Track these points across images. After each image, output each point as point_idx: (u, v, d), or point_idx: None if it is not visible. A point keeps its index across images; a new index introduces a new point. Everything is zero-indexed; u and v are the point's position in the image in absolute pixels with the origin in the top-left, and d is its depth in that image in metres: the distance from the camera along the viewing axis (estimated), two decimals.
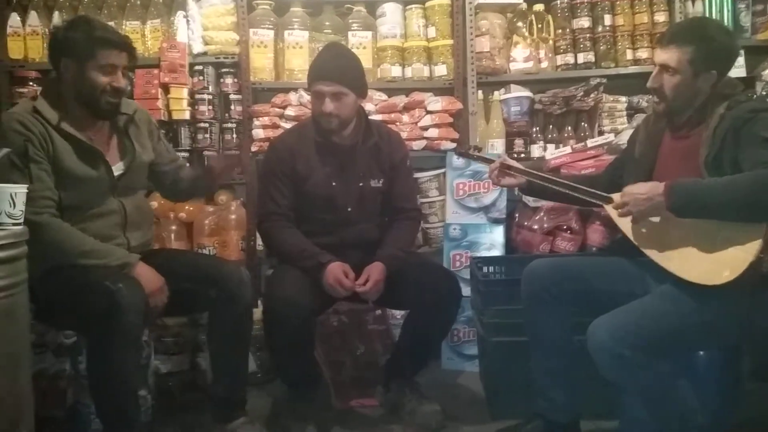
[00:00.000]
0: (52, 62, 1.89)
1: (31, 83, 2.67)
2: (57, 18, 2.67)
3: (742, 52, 2.80)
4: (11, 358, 1.41)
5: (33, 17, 2.65)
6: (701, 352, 1.86)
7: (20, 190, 1.48)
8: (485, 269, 2.40)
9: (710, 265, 1.61)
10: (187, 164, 2.29)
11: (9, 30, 2.65)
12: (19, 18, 2.65)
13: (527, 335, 1.93)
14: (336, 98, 2.08)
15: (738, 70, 2.77)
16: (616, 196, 1.81)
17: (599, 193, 1.88)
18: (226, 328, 1.94)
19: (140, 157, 1.98)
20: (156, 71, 2.61)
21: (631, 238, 1.79)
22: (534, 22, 2.81)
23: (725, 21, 2.81)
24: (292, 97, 2.70)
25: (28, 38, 2.66)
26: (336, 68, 2.10)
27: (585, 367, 1.75)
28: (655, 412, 1.63)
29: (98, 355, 1.75)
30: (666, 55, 1.74)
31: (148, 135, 2.05)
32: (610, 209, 1.84)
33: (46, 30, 2.68)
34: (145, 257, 1.90)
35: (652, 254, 1.74)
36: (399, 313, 2.59)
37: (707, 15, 2.81)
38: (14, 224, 1.45)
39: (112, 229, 1.91)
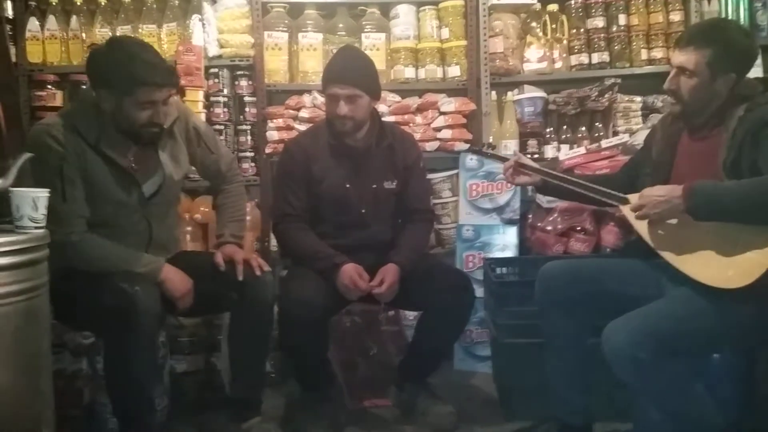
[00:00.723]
0: (91, 85, 1.82)
1: (49, 87, 2.72)
2: (75, 22, 2.72)
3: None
4: (33, 359, 1.44)
5: (51, 21, 2.70)
6: (717, 355, 1.85)
7: (42, 194, 1.50)
8: (499, 270, 2.40)
9: (728, 268, 1.60)
10: (237, 182, 2.20)
11: (28, 34, 2.69)
12: (37, 22, 2.70)
13: (543, 337, 1.92)
14: (350, 101, 2.09)
15: (755, 70, 2.75)
16: (632, 197, 1.80)
17: (615, 193, 1.86)
18: (246, 329, 1.95)
19: (172, 177, 1.94)
20: None
21: (648, 240, 1.77)
22: (548, 22, 2.80)
23: (741, 20, 2.78)
24: (306, 99, 2.72)
25: (47, 42, 2.70)
26: (350, 71, 2.11)
27: (599, 369, 1.75)
28: (670, 416, 1.62)
29: (115, 356, 1.77)
30: (683, 57, 1.72)
31: (187, 144, 2.00)
32: (626, 210, 1.82)
33: (64, 34, 2.72)
34: (167, 260, 1.92)
35: (669, 256, 1.72)
36: (412, 314, 2.60)
37: (723, 14, 2.78)
38: (36, 228, 1.48)
39: (136, 248, 1.89)
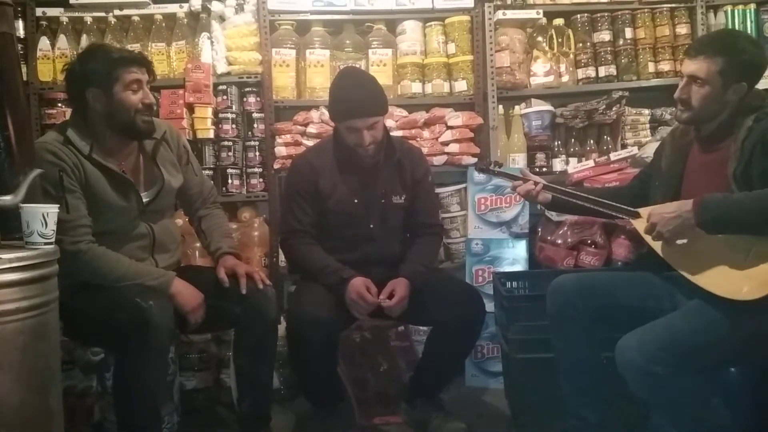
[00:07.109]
0: (75, 97, 1.89)
1: (59, 105, 2.74)
2: (85, 41, 2.74)
3: None
4: (43, 376, 1.43)
5: (62, 41, 2.73)
6: (733, 369, 1.82)
7: (52, 210, 1.50)
8: (509, 284, 2.37)
9: (742, 280, 1.59)
10: (218, 207, 2.22)
11: (39, 53, 2.72)
12: (48, 41, 2.73)
13: (554, 352, 1.90)
14: (372, 128, 2.08)
15: (765, 80, 2.74)
16: (643, 211, 1.79)
17: (625, 207, 1.86)
18: (251, 345, 1.95)
19: (169, 184, 1.99)
20: (181, 91, 2.66)
21: (660, 252, 1.76)
22: (554, 36, 2.81)
23: (748, 32, 2.79)
24: (314, 114, 2.73)
25: (57, 61, 2.72)
26: (367, 102, 2.08)
27: (612, 383, 1.72)
28: (686, 431, 1.59)
29: (126, 371, 1.76)
30: (695, 66, 1.72)
31: (177, 158, 2.06)
32: (637, 224, 1.81)
33: (75, 53, 2.74)
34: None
35: (682, 269, 1.71)
36: (422, 329, 2.58)
37: (730, 26, 2.79)
38: (46, 243, 1.48)
39: (141, 252, 1.92)
